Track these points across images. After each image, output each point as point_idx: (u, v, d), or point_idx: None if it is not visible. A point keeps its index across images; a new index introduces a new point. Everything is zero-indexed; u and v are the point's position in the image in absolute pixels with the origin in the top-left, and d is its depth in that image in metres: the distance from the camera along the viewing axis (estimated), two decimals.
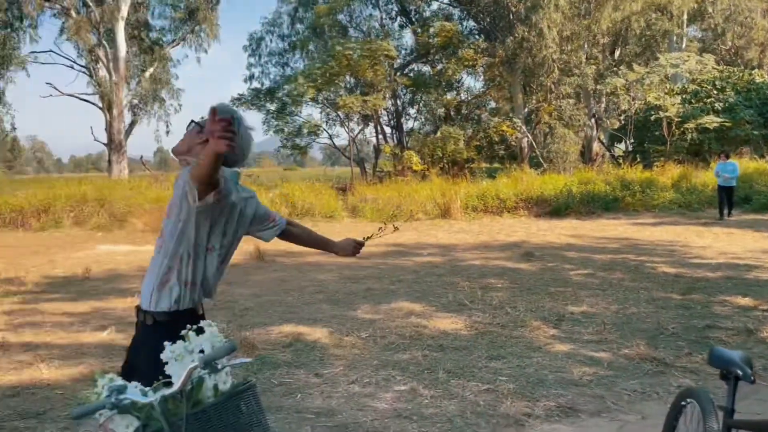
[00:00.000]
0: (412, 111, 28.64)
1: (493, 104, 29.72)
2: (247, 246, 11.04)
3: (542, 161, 24.85)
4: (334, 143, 27.76)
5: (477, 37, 27.23)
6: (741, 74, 27.28)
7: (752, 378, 2.35)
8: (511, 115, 26.02)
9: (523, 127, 25.13)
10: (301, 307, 6.94)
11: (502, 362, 4.90)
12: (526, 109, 26.69)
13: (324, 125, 26.61)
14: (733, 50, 35.42)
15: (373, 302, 7.05)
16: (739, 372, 2.36)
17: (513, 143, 25.97)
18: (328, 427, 3.77)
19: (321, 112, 26.82)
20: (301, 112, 26.37)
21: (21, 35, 23.85)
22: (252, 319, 6.37)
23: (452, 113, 27.31)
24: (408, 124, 28.61)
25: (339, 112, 25.37)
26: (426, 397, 4.22)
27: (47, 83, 26.85)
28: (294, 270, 9.31)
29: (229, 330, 5.80)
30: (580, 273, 8.64)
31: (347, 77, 25.08)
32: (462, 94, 28.52)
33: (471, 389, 4.33)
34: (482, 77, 28.06)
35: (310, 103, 25.65)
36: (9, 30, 22.53)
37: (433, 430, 3.72)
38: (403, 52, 27.65)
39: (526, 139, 25.50)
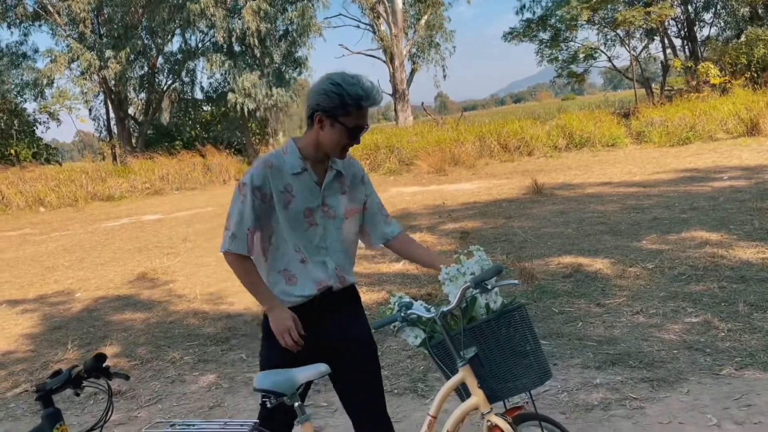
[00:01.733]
0: (707, 16, 24.98)
1: None
2: (525, 180, 11.15)
3: None
4: (614, 65, 25.74)
5: None
6: None
7: None
8: None
9: None
10: (581, 238, 6.84)
11: None
12: None
13: (602, 47, 24.85)
14: None
15: (660, 232, 6.60)
16: None
17: None
18: (610, 354, 3.76)
19: (598, 33, 25.03)
20: (575, 37, 24.96)
21: (315, 4, 26.79)
22: (530, 251, 6.51)
23: (760, 11, 23.09)
24: (703, 32, 25.08)
25: (618, 30, 23.39)
26: (722, 330, 3.91)
27: (339, 45, 30.37)
28: (573, 202, 9.13)
29: (508, 261, 6.02)
30: None
31: None
32: None
33: None
34: None
35: (585, 25, 24.07)
36: (306, 1, 25.51)
37: (730, 363, 3.45)
38: None
39: None
